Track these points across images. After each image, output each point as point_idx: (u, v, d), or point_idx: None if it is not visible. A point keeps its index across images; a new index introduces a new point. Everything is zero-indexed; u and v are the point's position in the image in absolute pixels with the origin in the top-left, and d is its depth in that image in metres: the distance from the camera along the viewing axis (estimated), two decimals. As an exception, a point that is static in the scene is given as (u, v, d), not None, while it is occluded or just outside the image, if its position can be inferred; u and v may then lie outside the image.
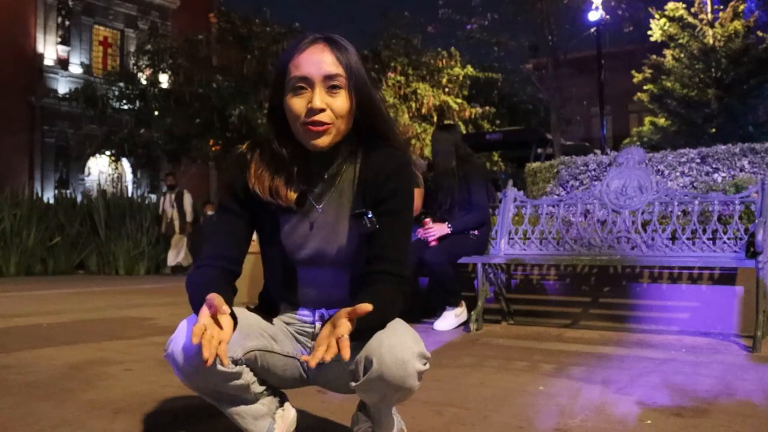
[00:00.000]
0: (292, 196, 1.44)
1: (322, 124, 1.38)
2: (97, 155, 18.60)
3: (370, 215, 1.42)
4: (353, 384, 1.33)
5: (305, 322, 1.55)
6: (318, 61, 1.38)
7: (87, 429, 1.86)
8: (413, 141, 15.19)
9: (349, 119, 1.42)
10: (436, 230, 3.95)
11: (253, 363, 1.43)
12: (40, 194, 13.78)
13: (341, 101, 1.39)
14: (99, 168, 23.04)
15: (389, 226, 1.43)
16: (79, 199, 12.26)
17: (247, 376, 1.43)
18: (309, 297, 1.53)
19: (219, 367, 1.33)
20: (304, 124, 1.39)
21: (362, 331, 1.27)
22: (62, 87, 22.55)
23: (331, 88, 1.38)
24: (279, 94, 1.42)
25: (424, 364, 1.32)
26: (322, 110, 1.37)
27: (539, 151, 11.35)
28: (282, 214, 1.48)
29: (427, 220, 4.02)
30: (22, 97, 22.32)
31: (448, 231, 3.95)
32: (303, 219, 1.48)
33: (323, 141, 1.40)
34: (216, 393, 1.43)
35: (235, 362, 1.38)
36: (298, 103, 1.39)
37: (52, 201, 12.35)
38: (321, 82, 1.38)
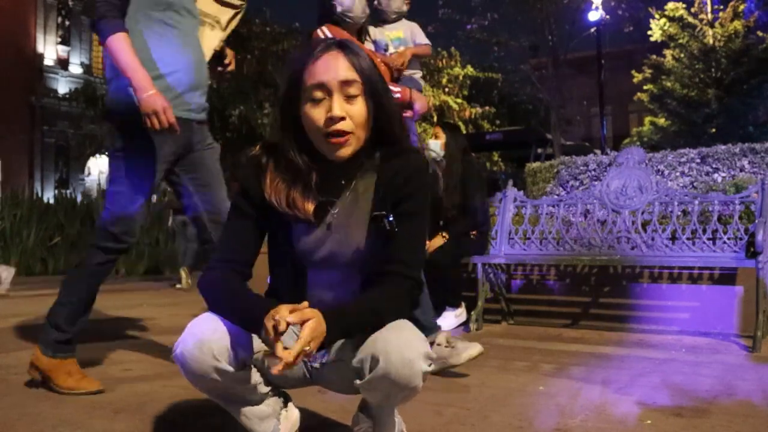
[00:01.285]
0: (310, 207, 1.43)
1: (343, 134, 1.38)
2: (97, 155, 18.60)
3: (390, 218, 1.42)
4: (358, 382, 1.34)
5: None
6: (334, 67, 1.38)
7: (87, 429, 1.86)
8: (413, 141, 15.16)
9: (367, 126, 1.42)
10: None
11: (259, 363, 1.45)
12: (40, 194, 13.77)
13: (359, 108, 1.39)
14: (99, 168, 23.02)
15: (404, 229, 1.43)
16: (79, 199, 12.26)
17: (255, 377, 1.44)
18: (318, 298, 1.53)
19: (227, 367, 1.34)
20: (325, 135, 1.38)
21: (351, 329, 1.31)
22: (62, 87, 22.56)
23: (349, 97, 1.38)
24: (294, 103, 1.42)
25: (429, 365, 1.33)
26: (342, 118, 1.37)
27: (539, 151, 11.30)
28: (295, 219, 1.48)
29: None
30: (22, 97, 22.31)
31: (444, 240, 3.91)
32: (318, 223, 1.48)
33: (345, 152, 1.40)
34: (224, 394, 1.44)
35: (243, 363, 1.39)
36: (317, 114, 1.38)
37: (52, 201, 12.34)
38: (338, 89, 1.37)
